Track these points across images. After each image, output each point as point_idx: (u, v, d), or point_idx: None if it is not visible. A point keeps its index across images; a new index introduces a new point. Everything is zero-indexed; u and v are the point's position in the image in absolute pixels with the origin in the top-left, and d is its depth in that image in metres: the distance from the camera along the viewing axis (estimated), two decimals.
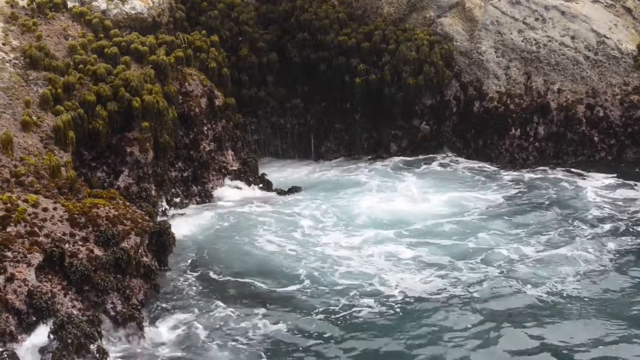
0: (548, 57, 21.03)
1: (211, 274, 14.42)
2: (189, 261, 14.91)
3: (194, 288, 13.97)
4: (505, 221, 16.48)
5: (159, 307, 13.31)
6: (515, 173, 19.71)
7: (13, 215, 12.53)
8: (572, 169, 19.74)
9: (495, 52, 21.24)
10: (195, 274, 14.44)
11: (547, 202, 17.62)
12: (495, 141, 20.68)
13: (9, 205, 12.69)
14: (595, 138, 20.39)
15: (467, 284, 13.72)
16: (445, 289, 13.59)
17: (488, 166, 20.27)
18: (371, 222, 16.51)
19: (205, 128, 17.97)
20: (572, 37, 21.33)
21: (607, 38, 21.09)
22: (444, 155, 20.86)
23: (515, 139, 20.60)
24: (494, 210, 17.21)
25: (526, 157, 20.58)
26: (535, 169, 19.88)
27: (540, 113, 20.61)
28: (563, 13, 21.46)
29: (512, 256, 14.80)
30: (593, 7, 21.75)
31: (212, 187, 17.74)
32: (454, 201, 17.71)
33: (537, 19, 21.45)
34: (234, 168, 18.22)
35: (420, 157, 20.80)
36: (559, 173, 19.51)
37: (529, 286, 13.52)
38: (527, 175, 19.45)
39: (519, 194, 18.26)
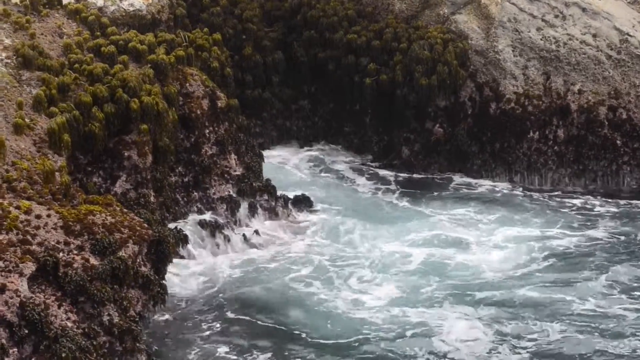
0: (568, 56, 20.96)
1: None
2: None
3: None
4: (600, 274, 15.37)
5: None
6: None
7: (4, 223, 12.48)
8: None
9: (513, 51, 21.17)
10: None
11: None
12: (513, 145, 20.62)
13: (0, 212, 12.64)
14: (618, 142, 20.31)
15: None
16: None
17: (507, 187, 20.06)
18: (419, 274, 15.07)
19: (207, 131, 17.94)
20: (594, 35, 21.27)
21: (631, 36, 21.01)
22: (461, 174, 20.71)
23: (534, 143, 20.54)
24: (575, 260, 16.10)
25: (545, 162, 20.51)
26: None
27: (560, 115, 20.51)
28: (584, 10, 21.39)
29: None
30: (616, 4, 21.69)
31: (213, 193, 17.69)
32: (514, 241, 16.82)
33: (556, 16, 21.38)
34: (237, 173, 18.18)
35: (436, 176, 20.60)
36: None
37: None
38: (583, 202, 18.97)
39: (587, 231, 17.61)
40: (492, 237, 17.35)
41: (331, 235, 17.41)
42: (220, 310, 14.50)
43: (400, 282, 15.30)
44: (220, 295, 15.08)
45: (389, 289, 15.03)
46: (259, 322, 14.28)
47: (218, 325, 14.14)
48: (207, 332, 13.89)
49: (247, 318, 14.39)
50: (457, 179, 20.43)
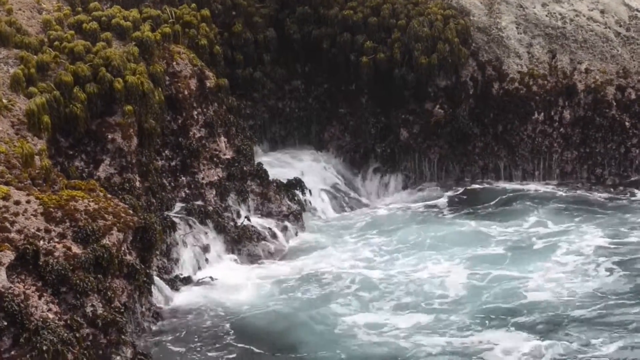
0: (575, 33, 20.92)
1: None
2: None
3: None
4: None
5: None
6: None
7: None
8: None
9: (517, 27, 21.10)
10: None
11: None
12: (516, 127, 20.61)
13: None
14: (627, 123, 20.31)
15: None
16: None
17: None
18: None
19: (195, 112, 17.88)
20: (602, 12, 21.23)
21: None
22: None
23: (539, 124, 20.53)
24: None
25: (550, 145, 20.49)
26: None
27: (566, 95, 20.49)
28: None
29: None
30: None
31: (202, 178, 17.65)
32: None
33: None
34: (227, 157, 18.13)
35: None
36: None
37: None
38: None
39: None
40: None
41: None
42: None
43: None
44: None
45: None
46: None
47: None
48: None
49: None
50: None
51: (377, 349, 13.26)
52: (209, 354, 13.47)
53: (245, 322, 14.40)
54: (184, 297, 15.30)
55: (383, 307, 14.65)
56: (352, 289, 15.35)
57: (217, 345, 13.68)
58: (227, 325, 14.27)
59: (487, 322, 14.00)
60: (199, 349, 13.58)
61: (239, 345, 13.71)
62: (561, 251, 16.61)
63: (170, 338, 13.95)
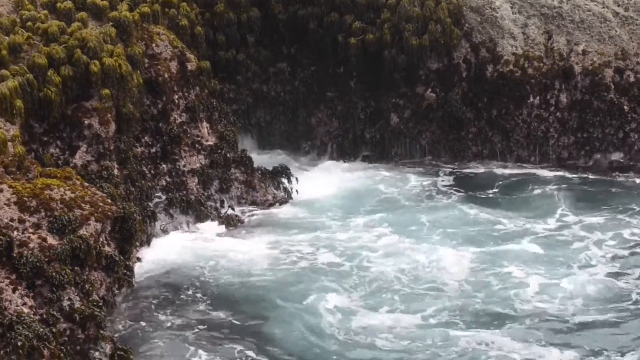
0: (572, 13, 20.91)
1: None
2: None
3: None
4: None
5: None
6: None
7: None
8: None
9: (512, 7, 21.09)
10: None
11: None
12: (511, 111, 20.62)
13: None
14: (625, 107, 20.35)
15: None
16: None
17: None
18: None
19: (176, 96, 17.83)
20: None
21: None
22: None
23: (534, 109, 20.55)
24: None
25: (546, 129, 20.52)
26: None
27: (563, 78, 20.49)
28: None
29: None
30: None
31: (184, 165, 17.60)
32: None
33: None
34: (210, 143, 18.08)
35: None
36: None
37: None
38: None
39: None
40: None
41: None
42: None
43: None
44: None
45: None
46: None
47: None
48: None
49: None
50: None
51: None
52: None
53: None
54: None
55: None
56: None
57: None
58: None
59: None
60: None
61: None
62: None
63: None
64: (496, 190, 19.36)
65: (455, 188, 19.50)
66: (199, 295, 14.67)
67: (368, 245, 16.46)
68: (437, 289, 14.82)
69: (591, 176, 19.93)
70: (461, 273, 15.30)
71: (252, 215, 17.74)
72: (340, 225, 17.32)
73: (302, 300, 14.37)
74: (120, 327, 13.64)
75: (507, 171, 20.35)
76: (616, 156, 20.43)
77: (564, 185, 19.33)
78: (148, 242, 16.02)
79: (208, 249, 16.27)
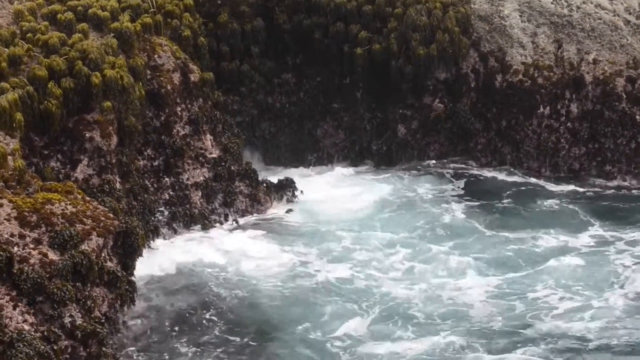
0: (582, 21, 20.93)
1: None
2: None
3: None
4: None
5: None
6: None
7: None
8: None
9: (521, 16, 21.10)
10: None
11: None
12: (521, 121, 20.62)
13: None
14: (638, 117, 20.33)
15: None
16: None
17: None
18: None
19: (179, 108, 17.84)
20: None
21: None
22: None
23: (544, 119, 20.54)
24: None
25: (556, 140, 20.50)
26: None
27: (573, 88, 20.49)
28: None
29: None
30: None
31: (187, 179, 17.60)
32: None
33: None
34: (214, 155, 18.10)
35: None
36: None
37: None
38: None
39: None
40: None
41: None
42: None
43: None
44: None
45: None
46: None
47: None
48: None
49: None
50: None
51: None
52: None
53: None
54: None
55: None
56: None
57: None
58: None
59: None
60: None
61: None
62: None
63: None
64: (513, 202, 19.21)
65: (468, 199, 19.32)
66: (205, 312, 14.59)
67: (379, 260, 16.33)
68: (456, 313, 14.48)
69: (607, 192, 19.82)
70: (481, 294, 15.02)
71: (258, 227, 17.64)
72: (350, 240, 17.24)
73: (310, 322, 14.22)
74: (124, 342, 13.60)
75: (517, 179, 20.27)
76: (628, 167, 20.38)
77: (583, 200, 19.25)
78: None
79: (216, 263, 16.25)
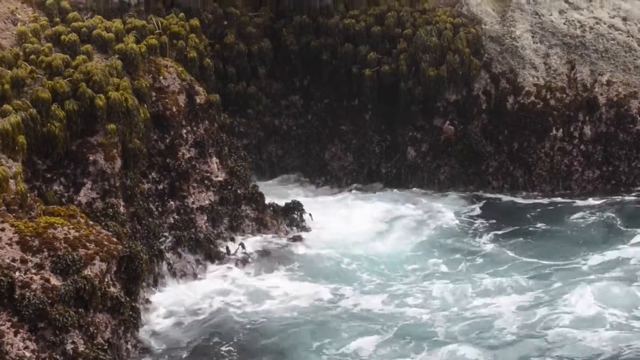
0: (595, 42, 20.93)
1: None
2: None
3: None
4: None
5: None
6: None
7: None
8: None
9: (532, 37, 21.12)
10: None
11: None
12: (533, 144, 20.56)
13: None
14: None
15: None
16: None
17: None
18: None
19: (184, 131, 17.87)
20: (624, 19, 21.27)
21: None
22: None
23: (557, 141, 20.49)
24: None
25: (570, 163, 20.46)
26: None
27: (587, 110, 20.47)
28: None
29: None
30: None
31: (192, 202, 17.59)
32: None
33: None
34: (219, 179, 18.10)
35: None
36: None
37: None
38: None
39: None
40: None
41: None
42: None
43: None
44: None
45: None
46: None
47: None
48: None
49: None
50: None
51: None
52: None
53: None
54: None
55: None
56: None
57: None
58: None
59: None
60: None
61: None
62: None
63: None
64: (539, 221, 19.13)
65: (493, 222, 19.24)
66: (221, 342, 14.48)
67: (397, 286, 16.16)
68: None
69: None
70: (514, 319, 14.78)
71: (267, 253, 17.56)
72: (364, 266, 17.10)
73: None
74: None
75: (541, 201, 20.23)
76: None
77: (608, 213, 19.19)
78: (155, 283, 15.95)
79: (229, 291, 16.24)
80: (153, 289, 15.81)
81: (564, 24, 21.22)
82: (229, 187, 18.12)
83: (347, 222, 19.16)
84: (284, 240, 18.03)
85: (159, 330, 14.83)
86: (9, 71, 16.01)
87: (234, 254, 17.24)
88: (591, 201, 19.82)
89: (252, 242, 17.75)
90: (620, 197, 19.93)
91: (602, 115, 20.48)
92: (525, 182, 20.73)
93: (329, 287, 16.31)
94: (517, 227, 18.86)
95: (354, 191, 20.91)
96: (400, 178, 21.02)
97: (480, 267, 17.04)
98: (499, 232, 18.74)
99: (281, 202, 18.88)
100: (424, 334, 14.51)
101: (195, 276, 16.62)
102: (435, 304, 15.55)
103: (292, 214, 18.73)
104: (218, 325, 15.06)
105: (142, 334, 14.38)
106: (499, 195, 20.52)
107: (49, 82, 16.13)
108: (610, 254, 17.15)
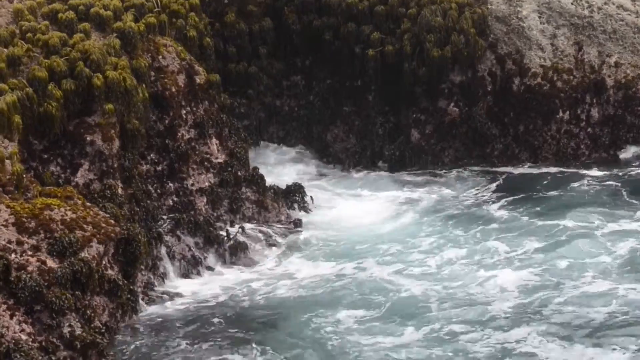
0: (603, 23, 20.89)
1: None
2: None
3: None
4: None
5: None
6: None
7: None
8: None
9: (539, 17, 21.06)
10: None
11: None
12: (539, 127, 20.58)
13: None
14: None
15: None
16: None
17: None
18: None
19: (184, 111, 17.85)
20: None
21: None
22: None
23: (564, 124, 20.51)
24: None
25: (576, 146, 20.45)
26: None
27: (594, 92, 20.48)
28: None
29: None
30: None
31: (192, 184, 17.58)
32: None
33: None
34: (219, 160, 18.09)
35: None
36: None
37: None
38: None
39: None
40: None
41: None
42: None
43: None
44: None
45: None
46: None
47: None
48: None
49: None
50: None
51: None
52: None
53: None
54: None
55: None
56: None
57: None
58: None
59: None
60: None
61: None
62: None
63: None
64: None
65: (505, 194, 19.27)
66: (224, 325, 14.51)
67: (403, 267, 16.13)
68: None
69: None
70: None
71: (268, 235, 17.60)
72: (367, 245, 17.08)
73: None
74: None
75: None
76: None
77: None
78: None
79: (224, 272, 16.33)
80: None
81: (572, 4, 21.16)
82: (229, 168, 18.11)
83: (349, 203, 19.19)
84: (284, 223, 18.07)
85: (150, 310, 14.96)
86: (5, 49, 15.97)
87: (233, 237, 17.26)
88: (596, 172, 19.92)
89: (252, 225, 17.75)
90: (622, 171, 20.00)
91: (609, 98, 20.49)
92: (531, 165, 20.71)
93: (329, 265, 16.40)
94: (529, 194, 18.98)
95: (356, 173, 20.91)
96: (403, 160, 21.00)
97: (495, 232, 17.22)
98: (510, 199, 18.85)
99: (282, 185, 18.94)
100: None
101: (194, 258, 16.66)
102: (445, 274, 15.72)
103: (293, 196, 18.73)
104: (211, 301, 15.32)
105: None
106: (506, 169, 20.57)
107: (46, 60, 16.09)
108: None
